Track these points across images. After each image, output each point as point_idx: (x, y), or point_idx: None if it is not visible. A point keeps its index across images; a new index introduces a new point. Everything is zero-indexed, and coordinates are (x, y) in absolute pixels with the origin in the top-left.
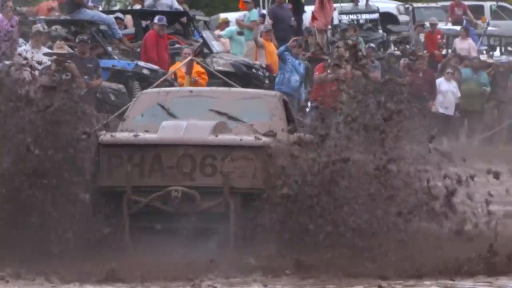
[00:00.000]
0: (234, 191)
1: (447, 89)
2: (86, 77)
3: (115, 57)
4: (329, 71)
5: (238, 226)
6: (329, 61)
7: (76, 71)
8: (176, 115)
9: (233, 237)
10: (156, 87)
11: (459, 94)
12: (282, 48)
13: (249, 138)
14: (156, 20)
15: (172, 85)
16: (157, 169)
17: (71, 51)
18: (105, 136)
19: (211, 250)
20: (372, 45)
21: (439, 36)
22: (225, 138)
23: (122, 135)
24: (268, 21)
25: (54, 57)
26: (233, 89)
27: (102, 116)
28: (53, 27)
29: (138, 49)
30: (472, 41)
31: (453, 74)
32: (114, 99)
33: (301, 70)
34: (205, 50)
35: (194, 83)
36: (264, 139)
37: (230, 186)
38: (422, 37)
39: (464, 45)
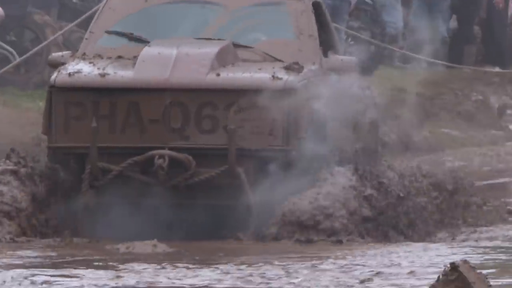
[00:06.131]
0: (244, 154)
1: None
2: None
3: None
4: None
5: (252, 203)
6: None
7: None
8: (160, 32)
9: (248, 217)
10: None
11: None
12: None
13: (264, 77)
14: None
15: None
16: (134, 124)
17: None
18: (60, 75)
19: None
20: None
21: None
22: (230, 77)
23: (83, 74)
24: None
25: None
26: None
27: (60, 25)
28: None
29: None
30: None
31: None
32: (77, 0)
33: None
34: None
35: None
36: (286, 77)
37: (239, 147)
38: None
39: None
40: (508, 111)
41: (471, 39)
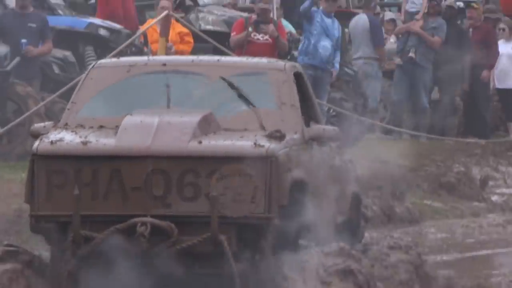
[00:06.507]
0: (227, 222)
1: (502, 52)
2: (24, 40)
3: (60, 12)
4: (250, 29)
5: (234, 271)
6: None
7: None
8: (142, 102)
9: (235, 285)
10: (117, 55)
11: None
12: (306, 3)
13: (246, 145)
14: None
15: (141, 51)
16: (117, 191)
17: None
18: (42, 143)
19: None
20: None
21: None
22: (212, 145)
23: (65, 142)
24: None
25: None
26: (224, 60)
27: (42, 96)
28: None
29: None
30: None
31: (506, 31)
32: (59, 71)
33: (335, 32)
34: (188, 2)
35: (170, 50)
36: (268, 145)
37: (221, 214)
38: None
39: None
40: (491, 183)
41: (453, 110)
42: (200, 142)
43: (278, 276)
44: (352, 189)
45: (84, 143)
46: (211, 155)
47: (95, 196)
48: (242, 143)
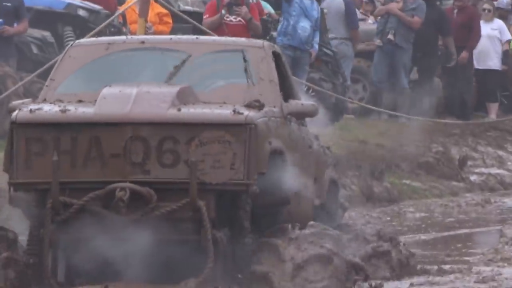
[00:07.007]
0: (205, 188)
1: (482, 33)
2: (0, 20)
3: None
4: (223, 11)
5: (212, 236)
6: None
7: None
8: (121, 78)
9: (208, 252)
10: (96, 35)
11: (508, 37)
12: None
13: (225, 112)
14: None
15: (119, 32)
16: (96, 158)
17: None
18: (21, 112)
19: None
20: None
21: None
22: (191, 112)
23: (44, 110)
24: None
25: None
26: (202, 38)
27: (21, 76)
28: None
29: None
30: None
31: (491, 12)
32: (37, 51)
33: (314, 13)
34: None
35: (149, 30)
36: (247, 113)
37: (200, 181)
38: None
39: None
40: (469, 163)
41: (432, 90)
42: (179, 110)
43: (253, 257)
44: (330, 175)
45: (63, 111)
46: (190, 122)
47: (74, 164)
48: (221, 111)
